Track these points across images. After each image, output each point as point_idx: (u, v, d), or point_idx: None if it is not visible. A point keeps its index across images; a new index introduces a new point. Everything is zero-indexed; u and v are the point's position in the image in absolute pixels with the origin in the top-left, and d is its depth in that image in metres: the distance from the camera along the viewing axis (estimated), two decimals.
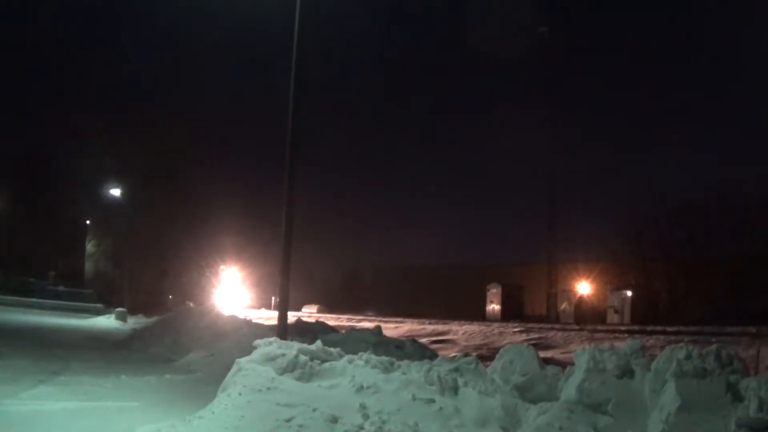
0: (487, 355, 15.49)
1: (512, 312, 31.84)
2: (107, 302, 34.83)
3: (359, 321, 28.73)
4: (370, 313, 34.95)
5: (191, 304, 38.29)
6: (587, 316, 29.40)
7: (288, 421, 5.96)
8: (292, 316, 18.34)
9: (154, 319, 24.35)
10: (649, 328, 21.05)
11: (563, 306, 32.29)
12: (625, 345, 6.75)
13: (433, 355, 12.09)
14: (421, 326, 25.89)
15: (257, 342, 7.49)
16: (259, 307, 43.96)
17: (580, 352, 6.69)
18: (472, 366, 7.31)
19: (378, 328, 15.28)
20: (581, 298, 32.16)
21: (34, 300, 32.79)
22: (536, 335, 21.66)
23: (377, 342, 13.39)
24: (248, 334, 13.42)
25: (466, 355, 8.60)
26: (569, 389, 6.27)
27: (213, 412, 6.17)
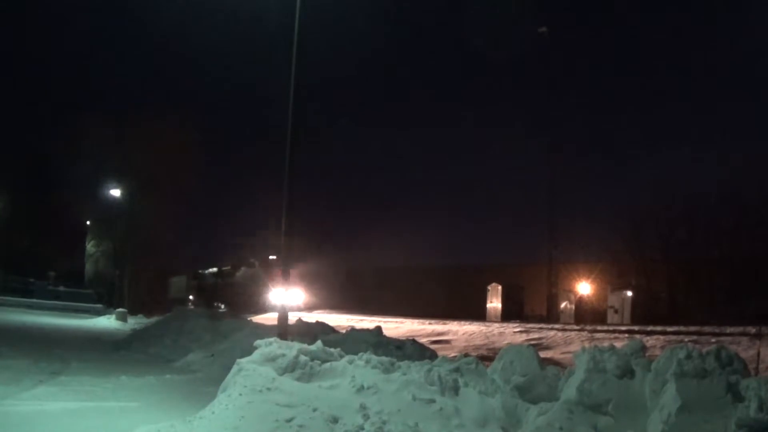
0: (487, 355, 15.49)
1: (512, 312, 31.85)
2: (107, 303, 34.88)
3: (359, 321, 28.69)
4: (369, 313, 34.70)
5: (221, 306, 36.21)
6: (587, 316, 29.41)
7: (288, 421, 5.96)
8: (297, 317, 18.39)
9: (154, 319, 24.37)
10: (649, 328, 21.03)
11: (563, 306, 32.30)
12: (625, 345, 6.75)
13: (433, 356, 12.09)
14: (421, 326, 25.87)
15: (257, 342, 7.49)
16: (311, 309, 38.13)
17: (580, 353, 6.69)
18: (473, 366, 7.31)
19: (378, 329, 15.26)
20: (581, 298, 32.17)
21: (34, 300, 32.85)
22: (536, 335, 21.64)
23: (377, 342, 13.39)
24: (248, 334, 13.43)
25: (467, 355, 8.60)
26: (569, 389, 6.27)
27: (213, 413, 6.17)
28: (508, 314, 31.37)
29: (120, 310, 28.76)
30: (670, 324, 21.42)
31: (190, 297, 48.29)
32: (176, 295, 49.11)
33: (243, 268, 43.71)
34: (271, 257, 39.95)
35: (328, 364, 7.21)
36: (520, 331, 22.87)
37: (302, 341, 8.58)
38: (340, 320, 28.36)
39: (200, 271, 50.74)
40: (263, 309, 34.96)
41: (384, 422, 5.97)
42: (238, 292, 40.66)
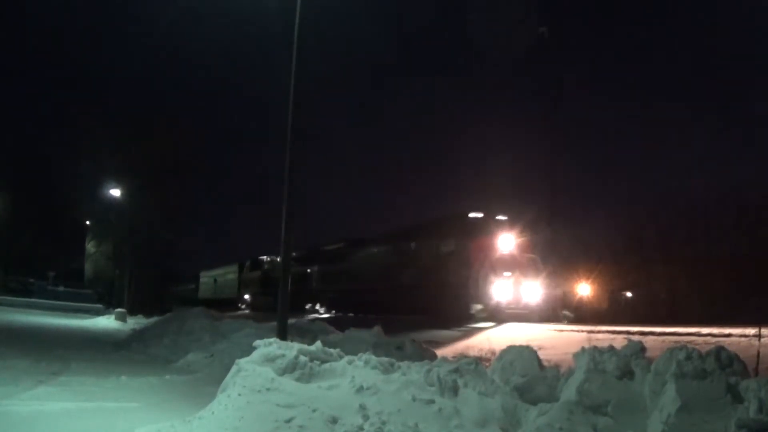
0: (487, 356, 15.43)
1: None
2: (107, 303, 34.89)
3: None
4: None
5: (312, 308, 25.28)
6: (587, 317, 29.37)
7: (288, 421, 5.96)
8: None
9: (153, 319, 24.38)
10: (649, 328, 20.99)
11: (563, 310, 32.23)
12: (625, 346, 6.75)
13: (432, 356, 12.09)
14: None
15: (257, 342, 7.48)
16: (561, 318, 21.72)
17: (580, 353, 6.70)
18: (472, 367, 7.31)
19: (378, 329, 15.25)
20: (581, 298, 32.13)
21: (34, 300, 32.92)
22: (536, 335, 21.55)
23: (377, 342, 13.39)
24: (248, 334, 13.44)
25: (466, 356, 8.60)
26: (569, 390, 6.27)
27: (213, 413, 6.17)
28: None
29: (119, 310, 28.79)
30: (670, 324, 21.38)
31: (246, 297, 37.54)
32: (217, 295, 42.33)
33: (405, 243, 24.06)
34: (472, 215, 21.96)
35: (327, 365, 7.21)
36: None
37: (302, 341, 8.58)
38: None
39: (263, 258, 36.18)
40: (462, 315, 19.90)
41: (383, 423, 5.98)
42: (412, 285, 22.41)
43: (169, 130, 35.30)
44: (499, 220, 21.94)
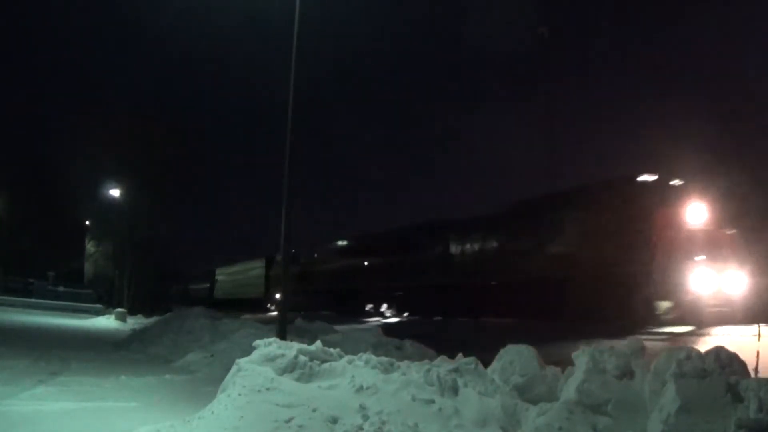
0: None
1: None
2: (107, 302, 34.90)
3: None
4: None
5: (376, 309, 20.19)
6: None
7: (287, 421, 5.96)
8: None
9: (153, 319, 24.40)
10: (648, 328, 20.97)
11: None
12: (624, 345, 6.76)
13: (432, 356, 12.09)
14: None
15: (257, 342, 7.48)
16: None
17: (580, 353, 6.69)
18: (472, 366, 7.31)
19: (377, 328, 15.29)
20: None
21: (34, 300, 32.93)
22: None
23: (377, 342, 13.41)
24: (248, 334, 13.44)
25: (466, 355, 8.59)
26: (569, 390, 6.27)
27: (212, 413, 6.17)
28: None
29: (119, 310, 28.82)
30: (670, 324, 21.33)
31: (277, 296, 33.02)
32: (238, 294, 40.43)
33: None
34: (643, 178, 16.30)
35: (327, 364, 7.20)
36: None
37: (301, 341, 8.58)
38: None
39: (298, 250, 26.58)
40: (640, 316, 15.03)
41: (383, 422, 5.97)
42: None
43: (168, 129, 35.31)
44: (674, 186, 16.13)
